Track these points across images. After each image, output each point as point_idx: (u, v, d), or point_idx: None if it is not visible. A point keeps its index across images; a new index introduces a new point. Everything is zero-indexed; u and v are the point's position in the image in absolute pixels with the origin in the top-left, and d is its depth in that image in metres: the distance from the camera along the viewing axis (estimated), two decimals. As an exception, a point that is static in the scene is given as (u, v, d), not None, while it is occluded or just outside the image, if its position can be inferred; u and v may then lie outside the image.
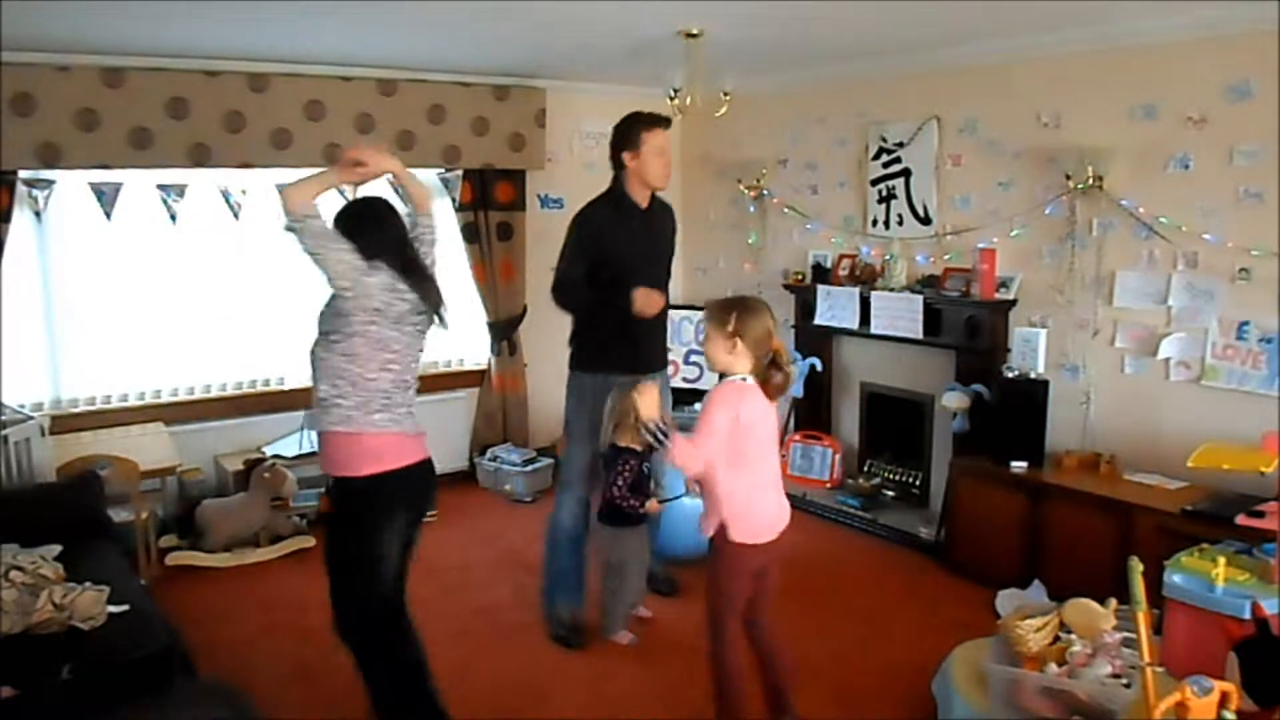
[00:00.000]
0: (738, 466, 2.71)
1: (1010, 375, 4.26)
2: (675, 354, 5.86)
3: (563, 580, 3.78)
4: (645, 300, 3.49)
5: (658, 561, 4.18)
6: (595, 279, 3.58)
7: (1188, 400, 3.91)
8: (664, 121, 3.63)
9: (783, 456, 5.51)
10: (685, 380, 5.88)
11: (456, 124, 5.32)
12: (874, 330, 4.92)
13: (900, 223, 5.02)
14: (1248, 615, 2.61)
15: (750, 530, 2.75)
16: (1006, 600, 3.89)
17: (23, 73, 4.16)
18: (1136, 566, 2.45)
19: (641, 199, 3.69)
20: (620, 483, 3.61)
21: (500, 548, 4.78)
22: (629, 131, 3.62)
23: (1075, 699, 2.58)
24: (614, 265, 3.57)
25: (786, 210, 5.65)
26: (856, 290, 5.04)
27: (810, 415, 5.53)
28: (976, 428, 4.44)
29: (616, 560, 3.73)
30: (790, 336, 5.63)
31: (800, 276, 5.49)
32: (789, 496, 5.42)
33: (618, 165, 3.67)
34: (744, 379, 2.72)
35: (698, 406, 5.66)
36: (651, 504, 3.72)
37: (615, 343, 3.62)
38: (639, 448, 3.58)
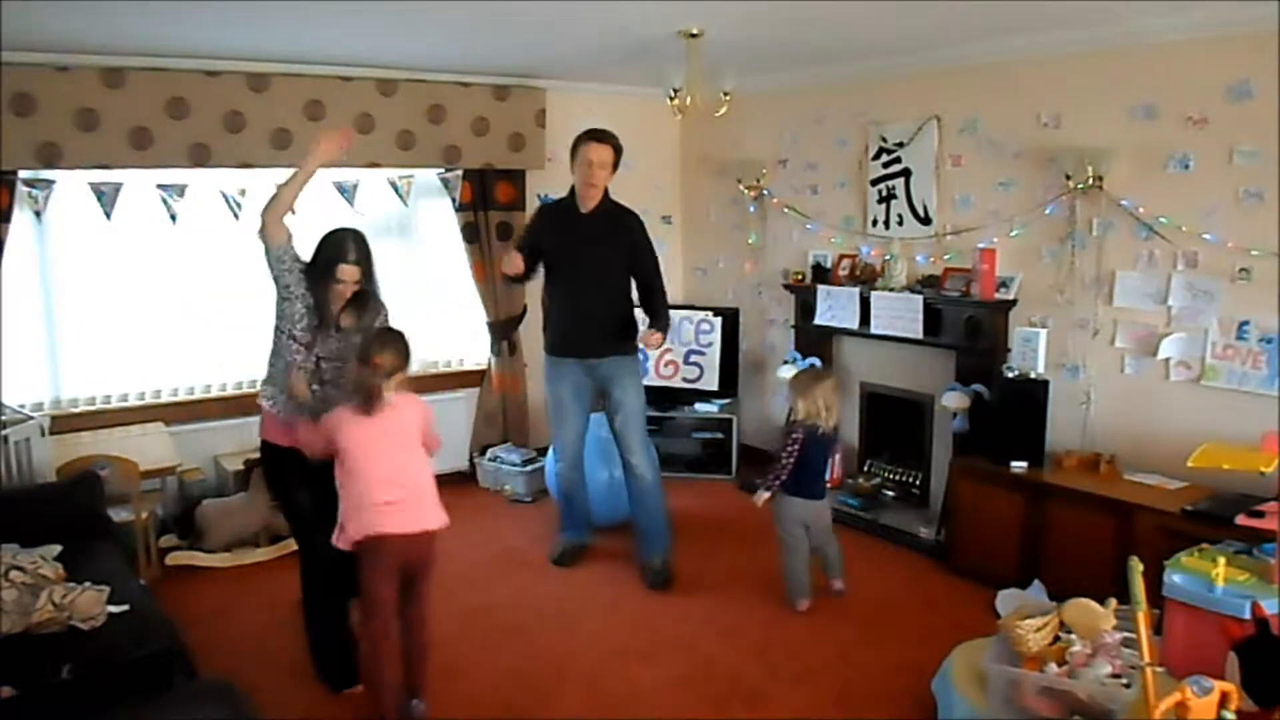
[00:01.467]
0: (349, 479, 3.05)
1: (1010, 375, 4.26)
2: (675, 354, 5.87)
3: (562, 521, 4.60)
4: (506, 260, 4.11)
5: (650, 547, 4.40)
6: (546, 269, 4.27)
7: (1188, 400, 3.91)
8: (598, 136, 4.11)
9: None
10: (685, 380, 5.88)
11: (456, 124, 5.32)
12: (874, 330, 4.92)
13: (900, 223, 5.02)
14: (1248, 615, 2.61)
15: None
16: (1006, 600, 3.89)
17: (23, 73, 4.16)
18: (1136, 566, 2.45)
19: (585, 204, 4.19)
20: (785, 457, 3.96)
21: (500, 548, 4.78)
22: (573, 145, 4.16)
23: (1075, 699, 2.58)
24: (546, 258, 4.25)
25: (786, 210, 5.65)
26: (856, 290, 5.04)
27: (810, 415, 5.53)
28: (976, 428, 4.44)
29: (795, 525, 4.03)
30: (790, 336, 5.64)
31: (800, 276, 5.49)
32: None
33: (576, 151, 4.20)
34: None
35: (699, 407, 5.74)
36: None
37: (558, 328, 4.33)
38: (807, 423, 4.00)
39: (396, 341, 3.16)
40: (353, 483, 3.02)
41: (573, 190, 4.26)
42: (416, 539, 3.06)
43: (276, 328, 3.28)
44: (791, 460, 3.97)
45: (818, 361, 5.36)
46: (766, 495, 4.02)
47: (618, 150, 4.17)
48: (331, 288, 3.22)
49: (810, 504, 4.02)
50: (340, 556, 3.11)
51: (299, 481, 3.30)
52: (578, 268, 4.21)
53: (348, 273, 3.23)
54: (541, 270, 4.33)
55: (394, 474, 3.04)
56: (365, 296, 3.34)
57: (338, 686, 3.37)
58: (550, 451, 4.66)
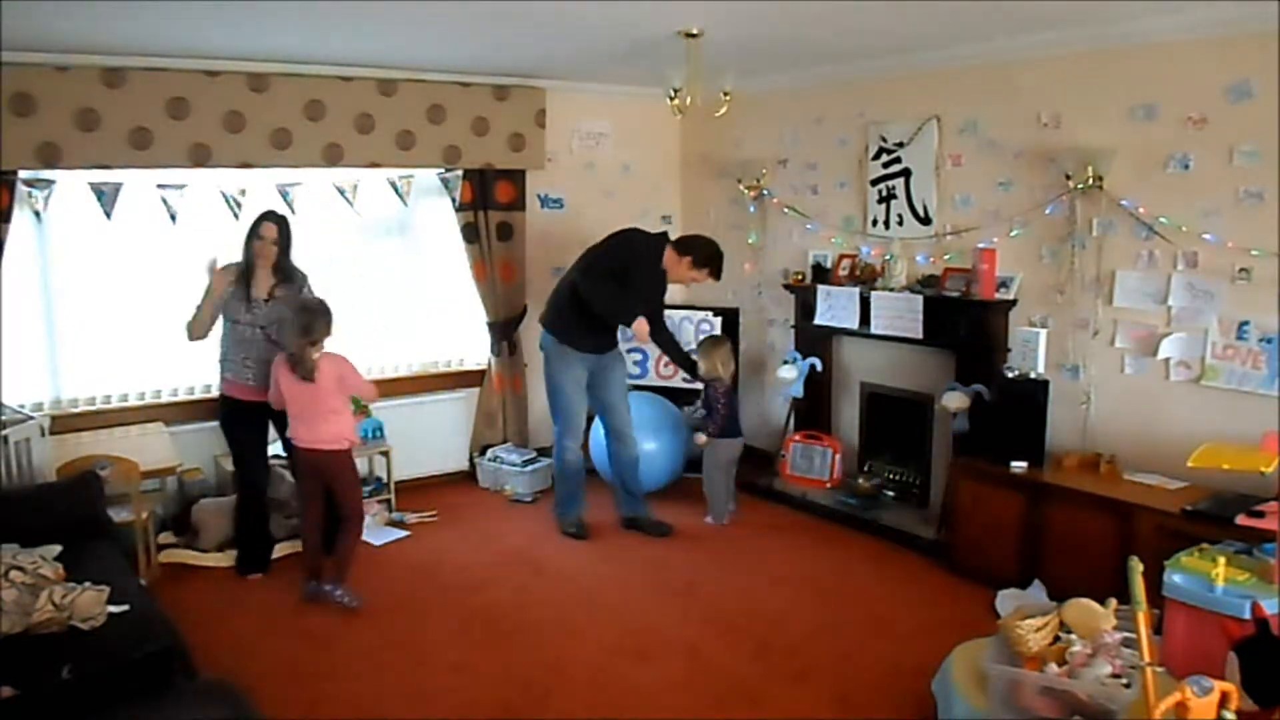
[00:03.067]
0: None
1: (1010, 375, 4.26)
2: (675, 354, 5.87)
3: (570, 499, 4.96)
4: (640, 331, 4.64)
5: (640, 504, 5.05)
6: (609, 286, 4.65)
7: (1188, 400, 3.91)
8: (718, 274, 4.83)
9: (782, 456, 5.51)
10: (685, 380, 5.87)
11: (456, 124, 5.33)
12: (874, 330, 4.92)
13: (900, 223, 5.02)
14: (1248, 615, 2.61)
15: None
16: (1006, 600, 3.89)
17: (23, 73, 4.16)
18: (1136, 566, 2.45)
19: (664, 265, 4.83)
20: (722, 406, 4.93)
21: (500, 548, 4.78)
22: (711, 257, 4.75)
23: (1075, 699, 2.58)
24: (632, 291, 4.66)
25: (786, 210, 5.65)
26: (856, 290, 5.04)
27: (810, 415, 5.53)
28: (976, 428, 4.44)
29: (727, 463, 5.03)
30: (790, 336, 5.64)
31: (800, 276, 5.49)
32: (788, 496, 5.44)
33: (681, 249, 4.78)
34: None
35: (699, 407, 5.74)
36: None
37: (596, 333, 4.78)
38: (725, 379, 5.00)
39: (326, 314, 3.96)
40: (293, 421, 4.05)
41: (660, 245, 4.79)
42: (321, 453, 4.01)
43: (224, 327, 4.29)
44: (725, 409, 4.92)
45: (817, 362, 5.37)
46: (705, 439, 4.94)
47: None
48: (254, 245, 4.17)
49: (735, 441, 5.03)
50: (260, 481, 4.43)
51: (240, 424, 4.33)
52: (648, 302, 4.79)
53: (267, 229, 4.17)
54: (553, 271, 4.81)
55: (312, 414, 4.00)
56: (287, 269, 4.28)
57: (245, 572, 4.37)
58: (561, 432, 4.92)
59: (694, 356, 5.03)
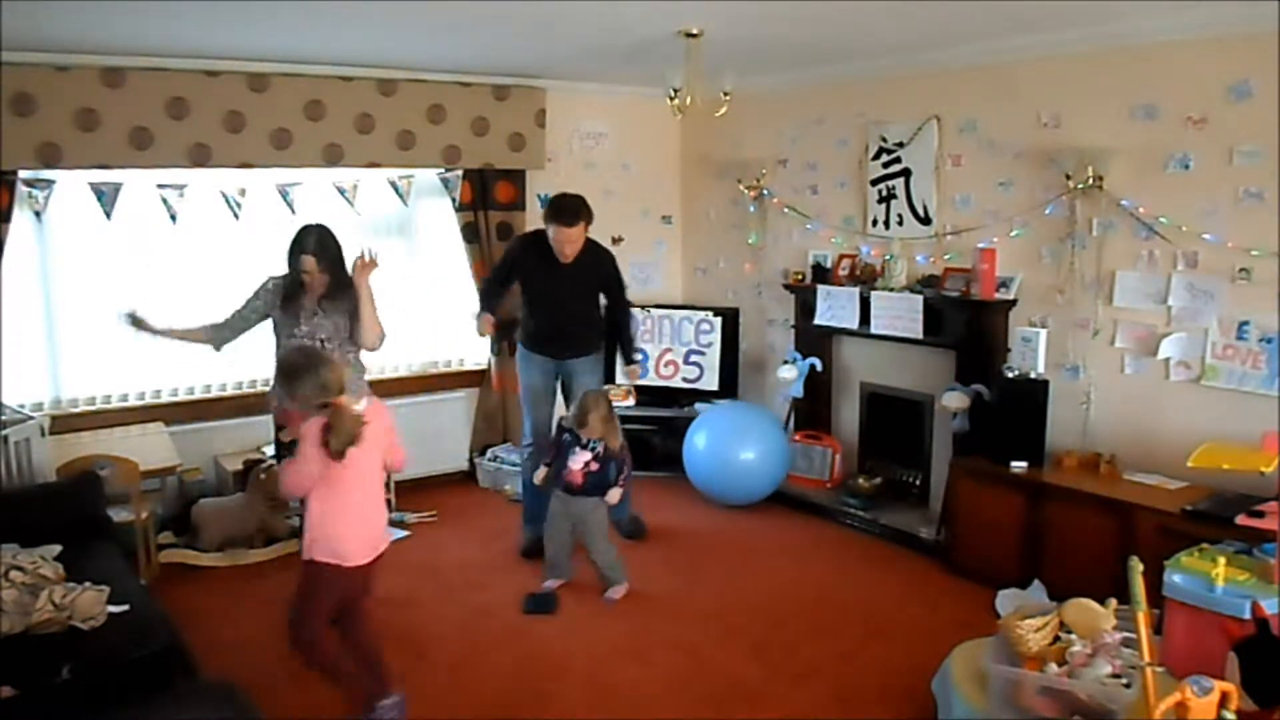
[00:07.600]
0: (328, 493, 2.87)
1: (1010, 375, 4.26)
2: (675, 354, 5.87)
3: (530, 513, 4.68)
4: (480, 324, 4.54)
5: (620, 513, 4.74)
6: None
7: (1188, 400, 3.91)
8: (564, 219, 4.33)
9: (783, 456, 5.51)
10: (685, 380, 5.88)
11: (456, 124, 5.33)
12: (874, 330, 4.92)
13: (900, 223, 5.02)
14: (1248, 615, 2.61)
15: (333, 552, 2.91)
16: (1006, 600, 3.89)
17: (23, 73, 4.17)
18: (1136, 566, 2.45)
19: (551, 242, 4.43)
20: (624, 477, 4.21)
21: (500, 548, 4.77)
22: (553, 207, 4.41)
23: (1075, 699, 2.58)
24: (525, 288, 4.62)
25: (786, 210, 5.65)
26: (856, 290, 5.04)
27: (810, 415, 5.53)
28: (976, 428, 4.44)
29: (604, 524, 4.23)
30: (790, 336, 5.64)
31: (800, 276, 5.49)
32: (788, 496, 5.45)
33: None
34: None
35: (698, 406, 5.73)
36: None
37: (543, 337, 4.63)
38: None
39: (327, 364, 2.89)
40: (329, 499, 2.86)
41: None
42: (370, 567, 3.00)
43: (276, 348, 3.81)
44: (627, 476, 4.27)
45: (817, 362, 5.37)
46: (618, 496, 4.22)
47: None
48: (301, 277, 3.75)
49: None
50: None
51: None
52: (549, 296, 4.60)
53: (306, 262, 3.73)
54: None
55: (364, 504, 2.95)
56: (338, 287, 3.80)
57: None
58: (525, 434, 4.78)
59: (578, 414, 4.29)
